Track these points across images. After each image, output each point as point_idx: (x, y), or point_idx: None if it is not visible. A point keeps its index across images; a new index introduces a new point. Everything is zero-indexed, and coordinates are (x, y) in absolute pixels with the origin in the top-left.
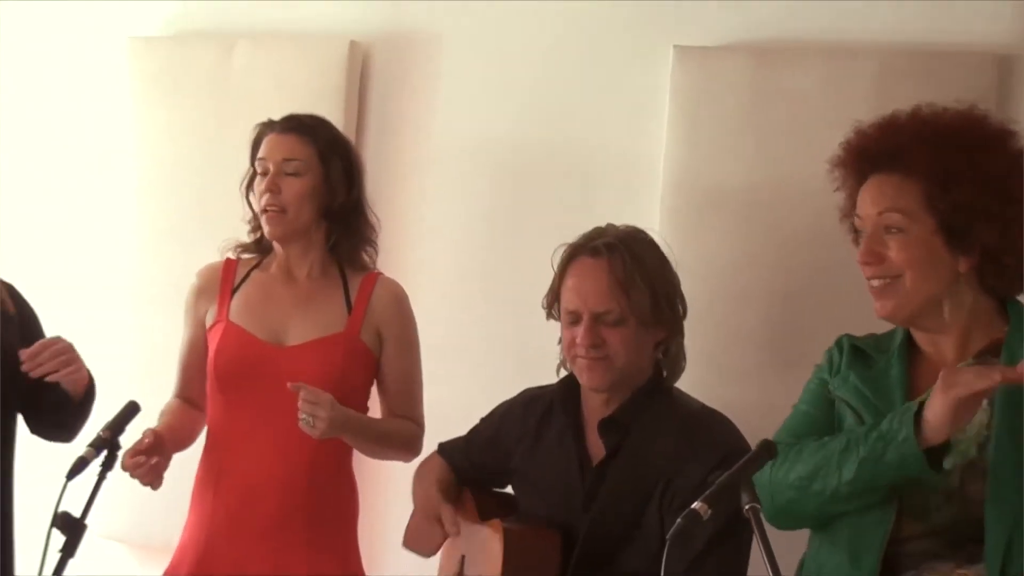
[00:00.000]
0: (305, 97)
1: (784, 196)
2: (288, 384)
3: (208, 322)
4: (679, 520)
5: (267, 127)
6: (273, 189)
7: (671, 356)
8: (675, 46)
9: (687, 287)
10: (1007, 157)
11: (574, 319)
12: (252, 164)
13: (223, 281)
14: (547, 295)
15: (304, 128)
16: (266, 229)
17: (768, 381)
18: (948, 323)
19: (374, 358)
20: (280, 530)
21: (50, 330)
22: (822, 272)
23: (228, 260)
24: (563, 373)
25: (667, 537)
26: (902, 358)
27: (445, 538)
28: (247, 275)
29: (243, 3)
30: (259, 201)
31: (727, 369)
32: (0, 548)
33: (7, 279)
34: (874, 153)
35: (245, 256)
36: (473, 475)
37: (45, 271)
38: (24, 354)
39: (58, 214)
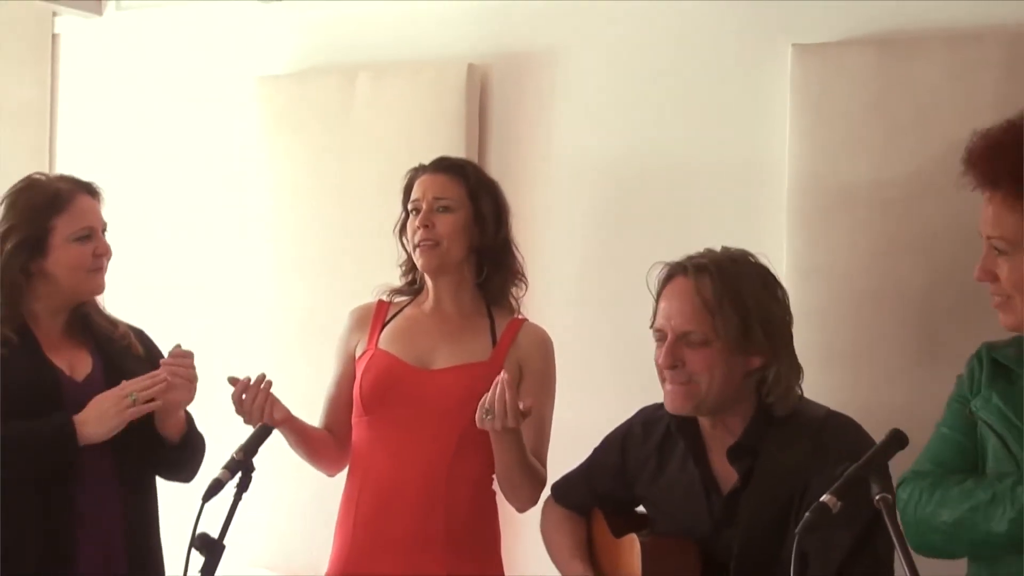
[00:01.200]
0: (426, 122)
1: (915, 191)
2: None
3: (357, 354)
4: (808, 514)
5: (418, 170)
6: (427, 224)
7: (771, 383)
8: (793, 45)
9: (819, 290)
10: None
11: (660, 338)
12: (404, 208)
13: (375, 318)
14: (652, 315)
15: (454, 168)
16: (420, 262)
17: (907, 382)
18: None
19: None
20: (419, 546)
21: None
22: (958, 268)
23: (380, 301)
24: None
25: (796, 532)
26: None
27: None
28: (399, 311)
29: (363, 36)
30: (412, 239)
31: (866, 371)
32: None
33: (140, 322)
34: (983, 168)
35: (397, 299)
36: (599, 505)
37: (176, 309)
38: (169, 354)
39: (192, 251)
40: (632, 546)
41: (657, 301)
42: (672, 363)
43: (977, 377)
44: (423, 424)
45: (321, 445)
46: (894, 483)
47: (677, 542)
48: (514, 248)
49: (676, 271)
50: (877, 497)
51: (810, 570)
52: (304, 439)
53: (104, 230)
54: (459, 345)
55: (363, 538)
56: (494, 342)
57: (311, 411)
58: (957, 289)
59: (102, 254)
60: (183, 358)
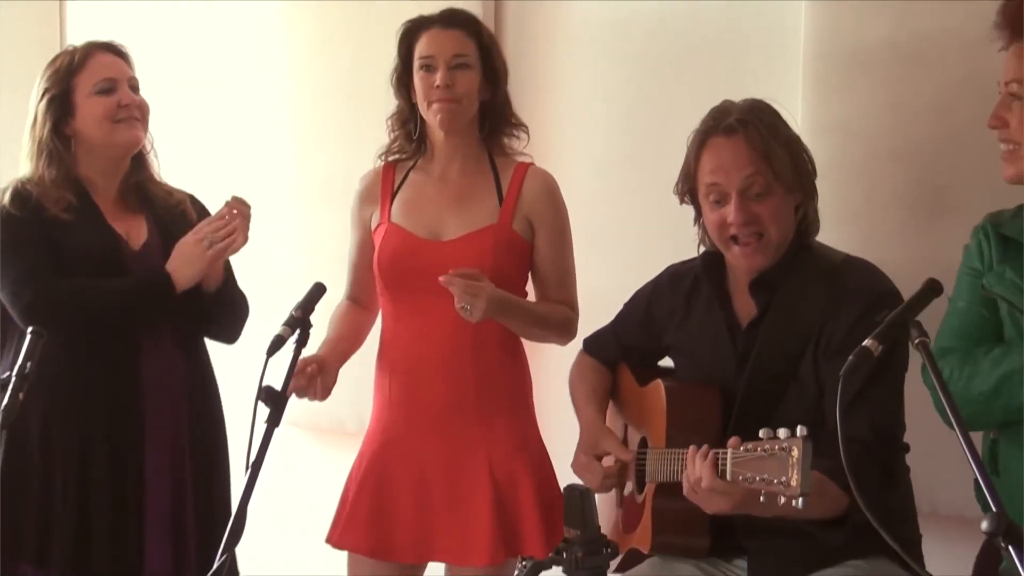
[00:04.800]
0: None
1: (931, 50)
2: (440, 279)
3: (372, 225)
4: (851, 357)
5: (423, 23)
6: (449, 83)
7: (809, 217)
8: None
9: (834, 149)
10: None
11: (719, 198)
12: (404, 59)
13: (383, 185)
14: (679, 182)
15: (469, 23)
16: (438, 120)
17: (916, 238)
18: None
19: (527, 246)
20: (452, 413)
21: None
22: (971, 127)
23: (386, 165)
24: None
25: (840, 374)
26: None
27: (603, 480)
28: (405, 177)
29: None
30: (427, 95)
31: (876, 227)
32: (214, 436)
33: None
34: (1015, 20)
35: (402, 159)
36: (625, 357)
37: (212, 183)
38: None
39: (212, 118)
40: (657, 392)
41: (696, 164)
42: (746, 219)
43: (987, 252)
44: (441, 296)
45: (359, 334)
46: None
47: (699, 386)
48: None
49: (714, 132)
50: (916, 341)
51: (826, 399)
52: (350, 348)
53: (133, 86)
54: (467, 212)
55: (398, 408)
56: (500, 199)
57: (337, 274)
58: (971, 147)
59: (128, 103)
60: (240, 204)
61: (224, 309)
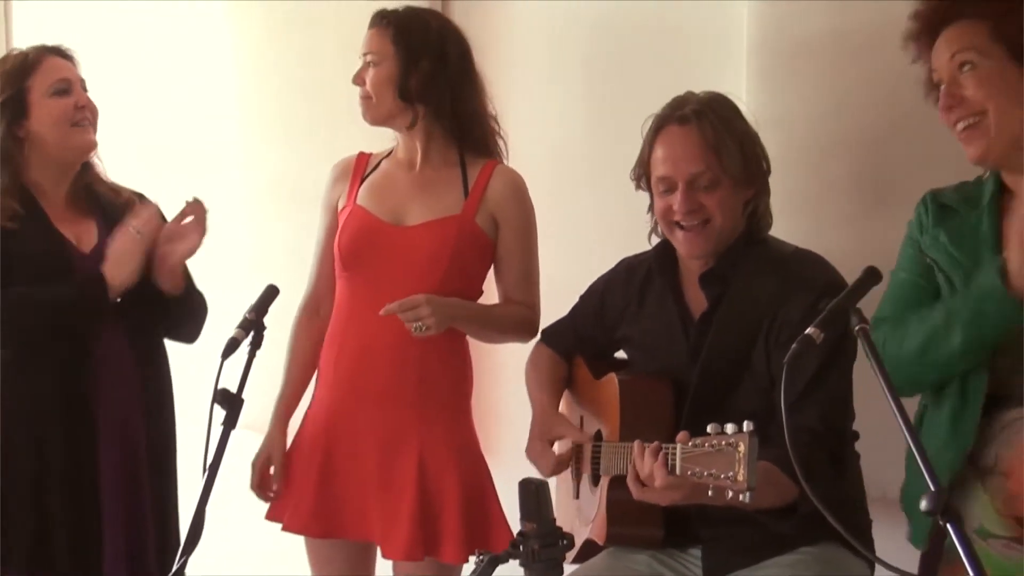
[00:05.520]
0: None
1: (874, 40)
2: (380, 312)
3: (339, 207)
4: (794, 345)
5: (371, 21)
6: (360, 77)
7: (760, 212)
8: None
9: (778, 138)
10: None
11: (668, 187)
12: None
13: (355, 170)
14: (635, 167)
15: (379, 19)
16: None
17: (861, 228)
18: None
19: (489, 243)
20: (392, 398)
21: None
22: (914, 116)
23: (361, 153)
24: (655, 240)
25: (784, 362)
26: (992, 212)
27: (555, 466)
28: (377, 165)
29: None
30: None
31: (820, 217)
32: (165, 439)
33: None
34: (939, 12)
35: (377, 151)
36: (583, 350)
37: (157, 179)
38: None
39: (159, 118)
40: (611, 385)
41: (650, 152)
42: (690, 207)
43: (925, 221)
44: (396, 281)
45: (315, 362)
46: None
47: (653, 379)
48: (480, 91)
49: (669, 120)
50: (857, 328)
51: (777, 389)
52: (307, 380)
53: (84, 87)
54: (431, 199)
55: (342, 390)
56: (466, 193)
57: (288, 273)
58: (914, 136)
59: (84, 105)
60: (195, 207)
61: (184, 312)
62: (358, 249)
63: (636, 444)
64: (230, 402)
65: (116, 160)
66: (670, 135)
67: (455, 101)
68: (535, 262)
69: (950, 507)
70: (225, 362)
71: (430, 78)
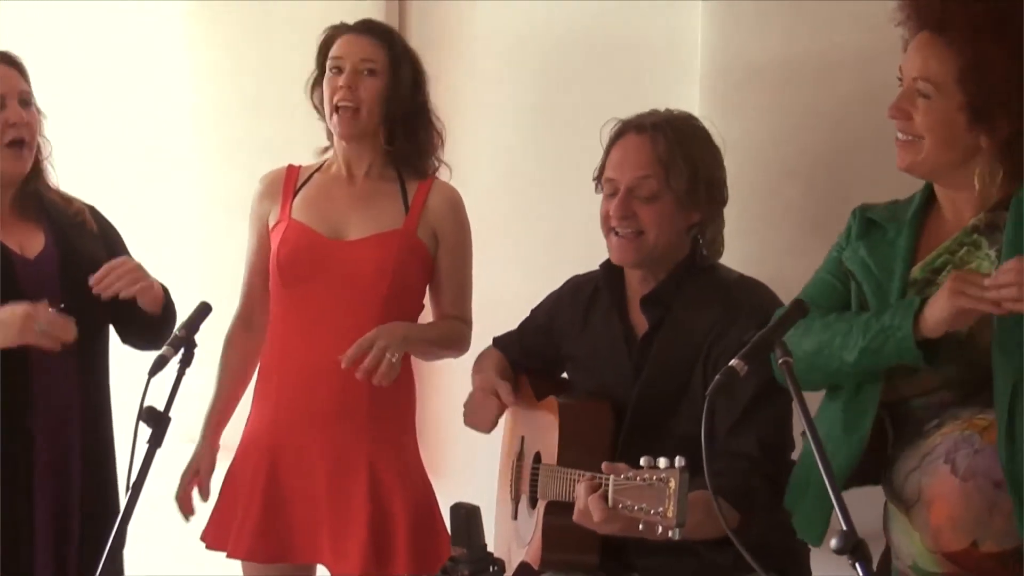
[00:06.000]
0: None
1: (825, 67)
2: (343, 365)
3: (271, 223)
4: (718, 376)
5: (340, 29)
6: (352, 85)
7: (708, 240)
8: None
9: (729, 162)
10: None
11: (612, 190)
12: (320, 65)
13: (286, 184)
14: (597, 168)
15: (382, 32)
16: (337, 128)
17: (811, 254)
18: (966, 184)
19: (430, 257)
20: (341, 418)
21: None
22: (864, 143)
23: (290, 166)
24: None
25: (707, 393)
26: (913, 226)
27: (501, 410)
28: (309, 178)
29: None
30: (331, 99)
31: (771, 244)
32: (103, 448)
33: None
34: (929, 10)
35: (306, 163)
36: (528, 364)
37: (110, 191)
38: (92, 278)
39: (116, 131)
40: (551, 407)
41: (607, 154)
42: (624, 214)
43: (852, 231)
44: (340, 297)
45: (247, 375)
46: None
47: (592, 403)
48: (432, 117)
49: (629, 127)
50: (781, 361)
51: (717, 415)
52: (239, 396)
53: (24, 100)
54: (371, 213)
55: (286, 410)
56: (406, 208)
57: (239, 290)
58: (865, 161)
59: (15, 123)
60: (118, 267)
61: (162, 324)
62: (298, 265)
63: (582, 484)
64: (156, 420)
65: (69, 169)
66: (626, 141)
67: (413, 119)
68: (470, 277)
69: (859, 547)
70: (152, 379)
71: (408, 97)
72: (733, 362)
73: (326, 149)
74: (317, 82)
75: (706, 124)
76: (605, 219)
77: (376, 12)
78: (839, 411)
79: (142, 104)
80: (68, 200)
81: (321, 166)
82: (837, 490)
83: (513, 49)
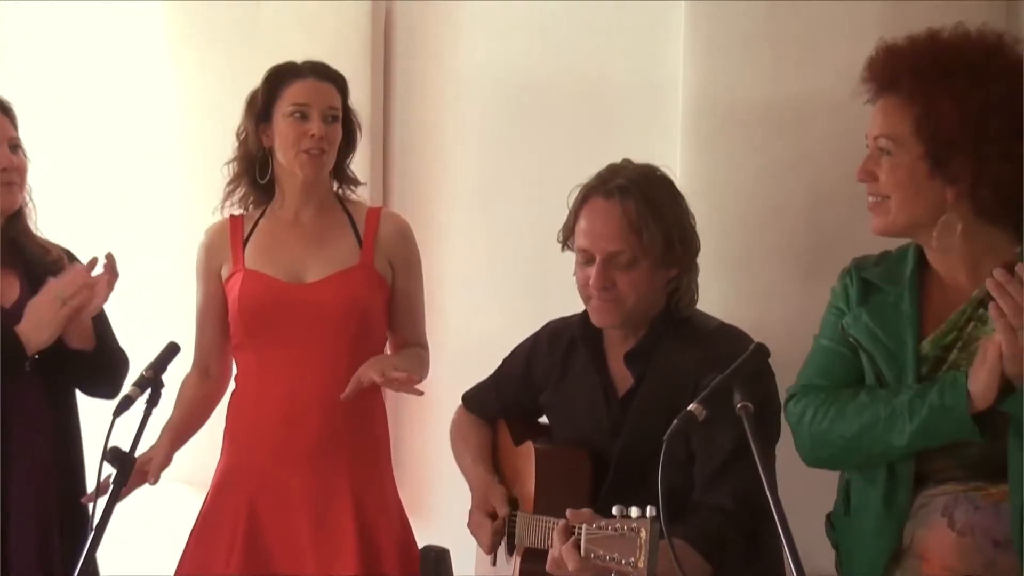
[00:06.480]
0: (332, 44)
1: (804, 110)
2: (322, 402)
3: (224, 275)
4: (676, 421)
5: (299, 70)
6: (323, 134)
7: (682, 290)
8: None
9: (710, 206)
10: (995, 90)
11: (587, 260)
12: (269, 105)
13: (232, 235)
14: (562, 229)
15: (337, 78)
16: (304, 170)
17: (793, 296)
18: (946, 246)
19: (388, 287)
20: (323, 455)
21: None
22: (844, 185)
23: (232, 216)
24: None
25: (664, 438)
26: (913, 289)
27: (501, 532)
28: (255, 225)
29: None
30: (297, 143)
31: (752, 286)
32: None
33: (58, 242)
34: (882, 75)
35: (249, 209)
36: (505, 413)
37: (92, 234)
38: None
39: (100, 176)
40: (528, 454)
41: (575, 220)
42: (603, 284)
43: (851, 294)
44: (311, 339)
45: (206, 410)
46: (782, 397)
47: (569, 450)
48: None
49: (596, 192)
50: (739, 405)
51: (696, 467)
52: (196, 426)
53: (13, 145)
54: (327, 252)
55: (264, 452)
56: (359, 241)
57: None
58: (843, 205)
59: (6, 167)
60: (108, 260)
61: (98, 367)
62: (263, 313)
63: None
64: (121, 460)
65: (52, 200)
66: (594, 207)
67: (349, 153)
68: (422, 298)
69: None
70: (117, 419)
71: (354, 135)
72: (692, 407)
73: (257, 186)
74: (262, 118)
75: (681, 165)
76: (583, 286)
77: (360, 56)
78: (876, 488)
79: (128, 133)
80: (46, 249)
81: (263, 212)
82: (791, 540)
83: (495, 88)
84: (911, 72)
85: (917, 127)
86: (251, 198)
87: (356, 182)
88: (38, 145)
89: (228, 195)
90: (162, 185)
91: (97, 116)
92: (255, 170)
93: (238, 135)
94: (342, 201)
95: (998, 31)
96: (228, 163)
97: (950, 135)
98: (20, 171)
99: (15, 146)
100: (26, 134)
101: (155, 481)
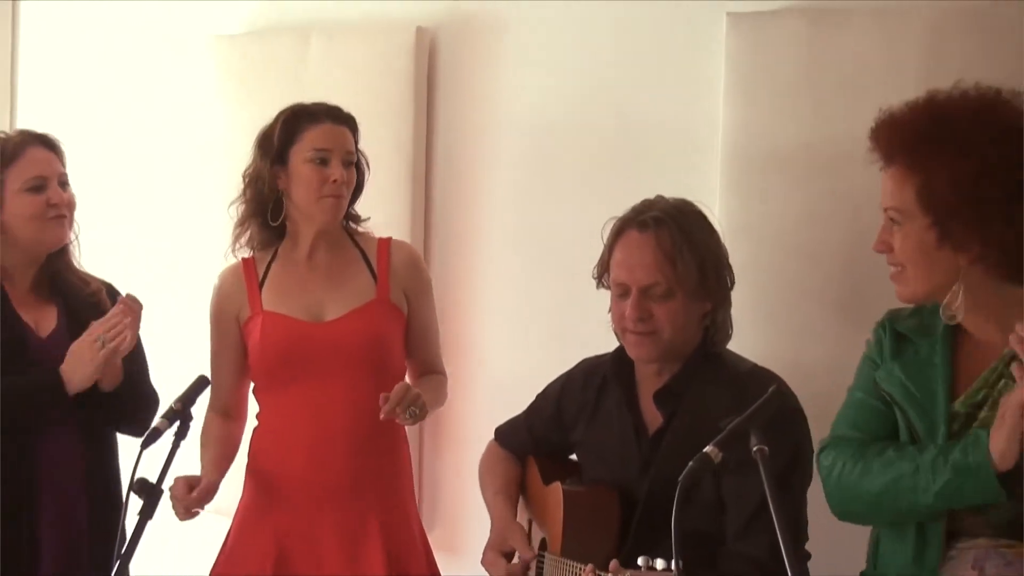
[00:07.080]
0: (376, 82)
1: (842, 155)
2: (381, 417)
3: (243, 319)
4: (691, 463)
5: (316, 114)
6: (342, 178)
7: (718, 325)
8: (728, 13)
9: (750, 250)
10: (990, 153)
11: (623, 292)
12: (285, 148)
13: (247, 279)
14: (597, 266)
15: (352, 121)
16: (325, 216)
17: (832, 340)
18: (973, 305)
19: (404, 318)
20: (352, 490)
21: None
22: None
23: (244, 259)
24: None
25: (679, 479)
26: (946, 345)
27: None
28: (268, 268)
29: None
30: (319, 188)
31: (792, 329)
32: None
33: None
34: (883, 146)
35: (261, 252)
36: (536, 450)
37: (135, 268)
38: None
39: (148, 211)
40: (556, 494)
41: (610, 254)
42: (640, 316)
43: (885, 347)
44: (333, 376)
45: (232, 450)
46: (815, 444)
47: (599, 491)
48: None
49: (630, 224)
50: (755, 449)
51: (728, 514)
52: (226, 467)
53: (62, 182)
54: (343, 290)
55: (292, 489)
56: (373, 275)
57: None
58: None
59: (57, 203)
60: (131, 302)
61: (126, 406)
62: (286, 354)
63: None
64: (148, 492)
65: (97, 233)
66: (629, 240)
67: (359, 192)
68: (436, 322)
69: None
70: (144, 451)
71: (363, 175)
72: (707, 449)
73: (270, 228)
74: (278, 161)
75: (720, 205)
76: (619, 319)
77: (404, 96)
78: (906, 544)
79: (176, 178)
80: (86, 280)
81: (274, 254)
82: None
83: (537, 128)
84: (910, 143)
85: (919, 198)
86: (258, 240)
87: (359, 219)
88: (85, 181)
89: (237, 237)
90: (209, 221)
91: (145, 151)
92: (267, 212)
93: (245, 176)
94: (351, 235)
95: (996, 87)
96: (233, 203)
97: (948, 204)
98: (70, 207)
99: (64, 183)
100: (73, 169)
101: (203, 504)
